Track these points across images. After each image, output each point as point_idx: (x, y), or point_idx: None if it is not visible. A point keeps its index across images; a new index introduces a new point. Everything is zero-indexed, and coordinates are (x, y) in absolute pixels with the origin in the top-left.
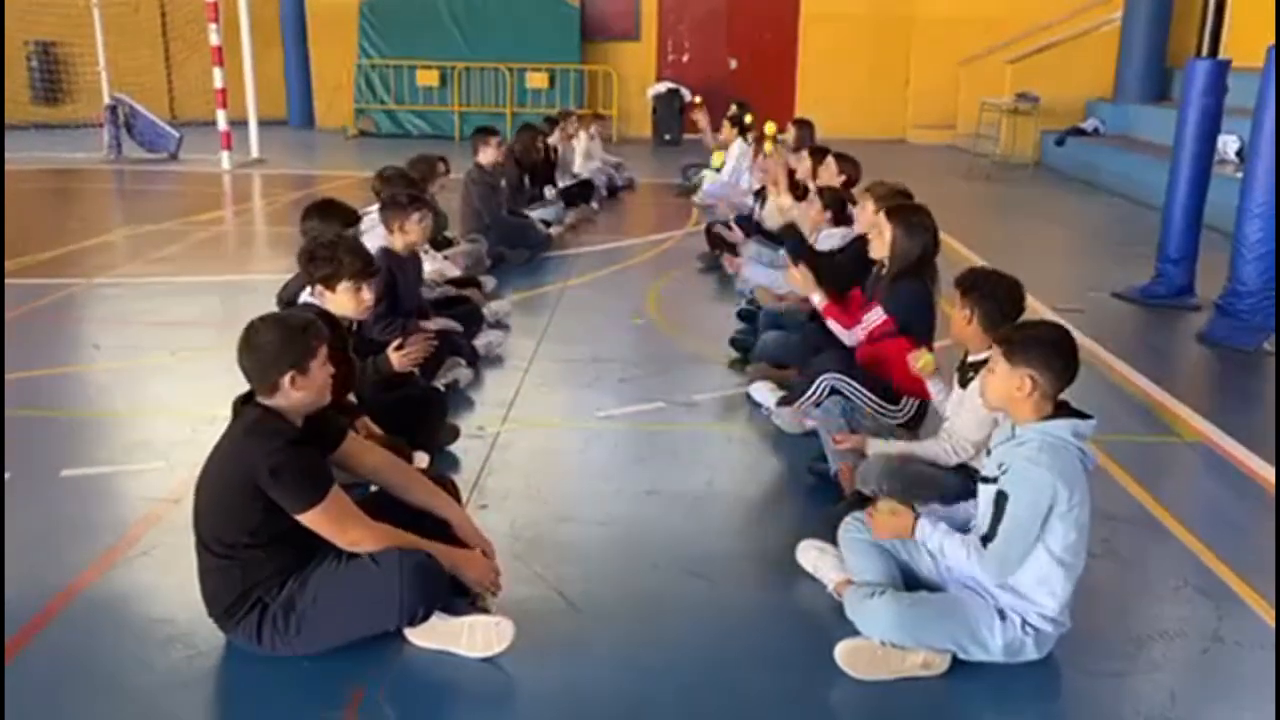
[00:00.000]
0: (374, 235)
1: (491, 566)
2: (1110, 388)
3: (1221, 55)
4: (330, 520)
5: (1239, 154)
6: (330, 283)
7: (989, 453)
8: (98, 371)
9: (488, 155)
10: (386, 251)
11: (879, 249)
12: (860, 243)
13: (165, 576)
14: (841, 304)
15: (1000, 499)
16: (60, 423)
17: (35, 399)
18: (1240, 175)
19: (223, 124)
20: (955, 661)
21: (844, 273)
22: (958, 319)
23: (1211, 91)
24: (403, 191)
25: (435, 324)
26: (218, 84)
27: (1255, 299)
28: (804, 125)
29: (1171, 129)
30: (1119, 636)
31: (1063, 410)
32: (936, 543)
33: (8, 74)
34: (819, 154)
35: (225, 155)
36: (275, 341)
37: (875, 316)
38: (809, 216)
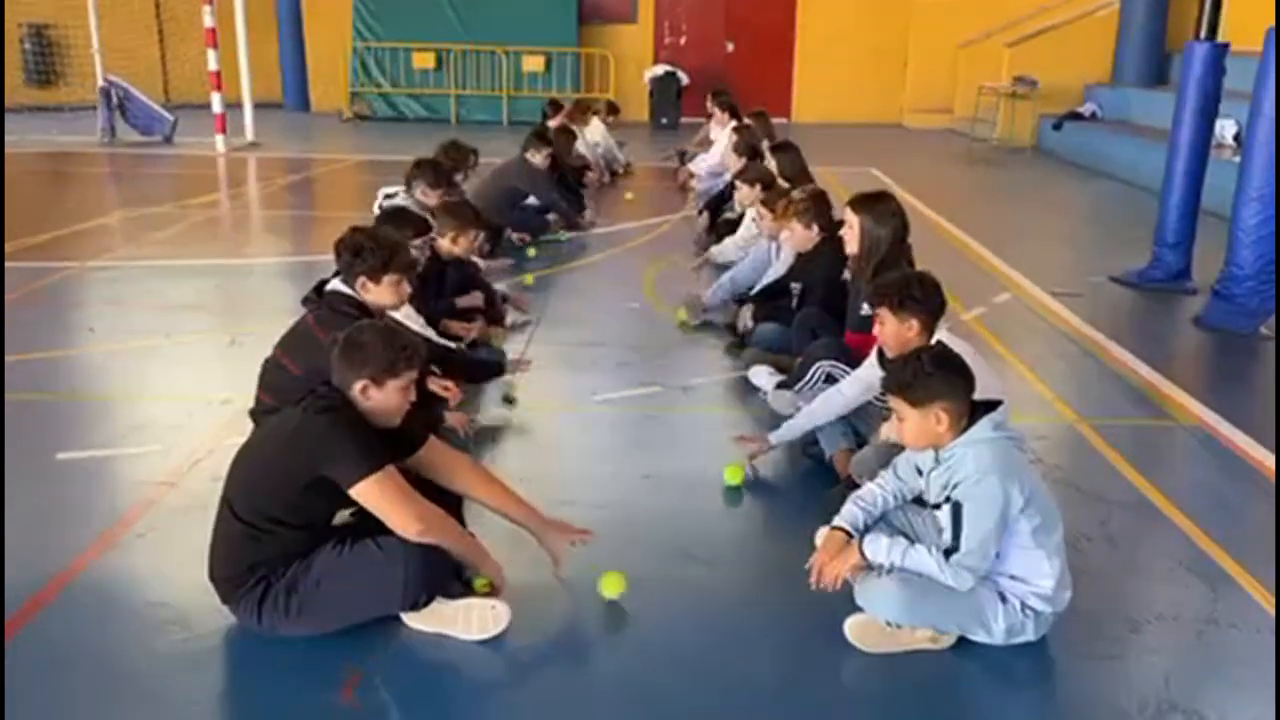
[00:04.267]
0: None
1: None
2: (1107, 372)
3: (1220, 38)
4: (385, 495)
5: (1236, 138)
6: (376, 275)
7: (919, 474)
8: (93, 354)
9: (538, 159)
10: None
11: (852, 244)
12: (802, 260)
13: (162, 560)
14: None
15: (957, 509)
16: (56, 406)
17: (31, 382)
18: (1238, 159)
19: (217, 107)
20: (955, 644)
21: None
22: (899, 330)
23: (1210, 75)
24: (469, 205)
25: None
26: (212, 67)
27: (1252, 283)
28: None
29: (1169, 113)
30: (1115, 619)
31: (974, 411)
32: (896, 556)
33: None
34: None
35: (220, 138)
36: (367, 347)
37: None
38: (795, 239)
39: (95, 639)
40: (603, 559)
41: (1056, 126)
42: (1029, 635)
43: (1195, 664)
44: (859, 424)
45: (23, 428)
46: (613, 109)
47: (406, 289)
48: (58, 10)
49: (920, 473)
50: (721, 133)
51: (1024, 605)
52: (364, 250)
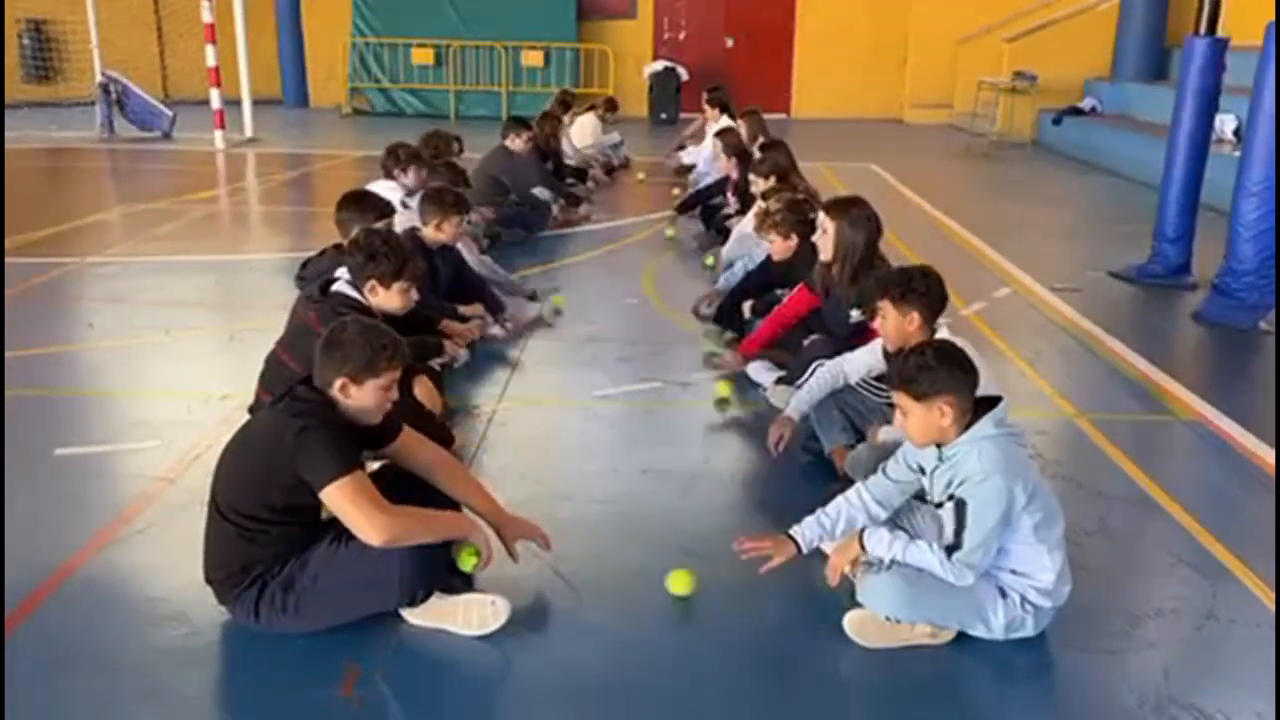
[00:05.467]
0: (405, 216)
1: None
2: (1106, 367)
3: (1220, 33)
4: (350, 499)
5: (1236, 133)
6: (387, 281)
7: (921, 472)
8: (92, 350)
9: (518, 144)
10: (413, 234)
11: (826, 250)
12: (781, 267)
13: (161, 555)
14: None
15: (960, 507)
16: (55, 401)
17: (30, 378)
18: (1237, 154)
19: (216, 103)
20: (954, 639)
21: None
22: (900, 324)
23: (1210, 70)
24: (450, 190)
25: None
26: (211, 62)
27: (1251, 278)
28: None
29: (1169, 108)
30: (1114, 614)
31: (977, 407)
32: (898, 550)
33: None
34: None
35: (219, 134)
36: (346, 344)
37: None
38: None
39: (94, 635)
40: (601, 555)
41: (1056, 121)
42: (1028, 630)
43: (1194, 658)
44: (859, 422)
45: (22, 423)
46: (611, 105)
47: (413, 296)
48: (56, 5)
49: (924, 472)
50: (713, 129)
51: (1024, 600)
52: (378, 255)
